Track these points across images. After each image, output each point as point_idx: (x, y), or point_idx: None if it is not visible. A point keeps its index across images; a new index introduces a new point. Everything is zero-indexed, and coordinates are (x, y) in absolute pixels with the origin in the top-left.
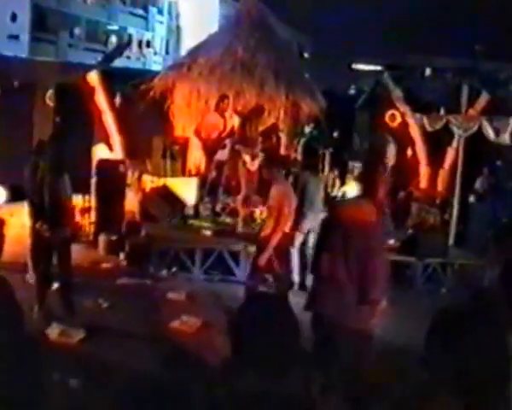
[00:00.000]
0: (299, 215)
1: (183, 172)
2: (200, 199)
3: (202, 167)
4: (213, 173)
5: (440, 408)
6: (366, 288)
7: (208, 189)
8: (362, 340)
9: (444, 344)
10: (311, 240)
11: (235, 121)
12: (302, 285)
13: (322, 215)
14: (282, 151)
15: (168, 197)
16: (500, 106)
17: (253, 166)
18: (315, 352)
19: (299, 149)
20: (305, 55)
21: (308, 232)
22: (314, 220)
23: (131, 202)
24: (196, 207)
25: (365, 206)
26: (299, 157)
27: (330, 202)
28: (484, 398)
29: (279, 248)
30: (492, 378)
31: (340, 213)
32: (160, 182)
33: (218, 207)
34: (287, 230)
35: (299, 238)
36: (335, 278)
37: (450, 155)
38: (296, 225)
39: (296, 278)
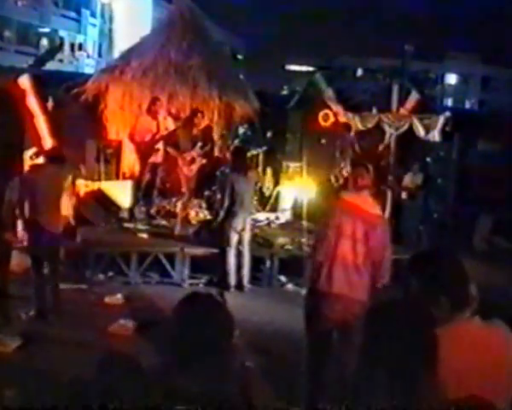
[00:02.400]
0: (230, 214)
1: (118, 175)
2: (135, 202)
3: (136, 170)
4: (148, 176)
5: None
6: (375, 273)
7: (143, 192)
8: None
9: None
10: (246, 239)
11: (169, 124)
12: (239, 285)
13: (252, 215)
14: (216, 153)
15: (103, 201)
16: (429, 104)
17: (191, 171)
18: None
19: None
20: (239, 56)
21: (242, 231)
22: (247, 219)
23: (66, 206)
24: (131, 210)
25: (369, 199)
26: (229, 157)
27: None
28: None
29: None
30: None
31: (349, 203)
32: (95, 186)
33: (153, 210)
34: None
35: (234, 238)
36: (343, 259)
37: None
38: (229, 224)
39: (232, 278)
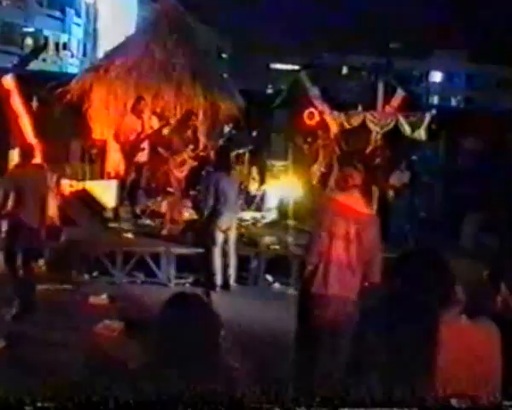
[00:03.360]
0: (215, 213)
1: (102, 175)
2: (120, 202)
3: (121, 170)
4: (133, 176)
5: None
6: (368, 272)
7: (128, 191)
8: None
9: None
10: (232, 238)
11: (153, 123)
12: (225, 285)
13: (238, 214)
14: (202, 152)
15: (88, 201)
16: (415, 102)
17: (181, 172)
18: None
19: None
20: (224, 55)
21: (228, 230)
22: (232, 219)
23: (50, 207)
24: (116, 210)
25: (360, 198)
26: (213, 156)
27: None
28: None
29: None
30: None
31: (340, 203)
32: (79, 186)
33: (138, 210)
34: None
35: (219, 237)
36: (337, 260)
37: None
38: (214, 223)
39: (218, 278)
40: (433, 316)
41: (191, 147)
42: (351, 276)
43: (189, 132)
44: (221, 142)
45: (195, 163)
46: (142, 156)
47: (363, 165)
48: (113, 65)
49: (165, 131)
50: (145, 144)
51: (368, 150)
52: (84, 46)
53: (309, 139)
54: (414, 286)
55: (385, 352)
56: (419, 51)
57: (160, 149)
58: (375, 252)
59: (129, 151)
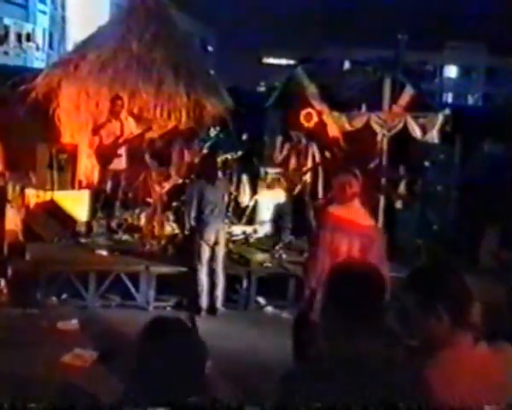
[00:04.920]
0: (201, 224)
1: (73, 184)
2: (94, 214)
3: (95, 178)
4: (108, 185)
5: None
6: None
7: (102, 203)
8: None
9: None
10: (220, 255)
11: (131, 125)
12: (211, 309)
13: (225, 227)
14: (186, 158)
15: (56, 214)
16: (426, 101)
17: (162, 188)
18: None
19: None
20: (209, 48)
21: (216, 245)
22: (220, 231)
23: (13, 220)
24: (89, 223)
25: (361, 209)
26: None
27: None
28: None
29: None
30: None
31: (339, 217)
32: (47, 196)
33: (114, 224)
34: None
35: (205, 253)
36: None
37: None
38: (200, 236)
39: (204, 300)
40: (447, 340)
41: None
42: None
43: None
44: (206, 146)
45: (180, 181)
46: (119, 164)
47: (367, 172)
48: (85, 59)
49: (149, 136)
50: (122, 150)
51: (373, 155)
52: (51, 37)
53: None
54: (426, 307)
55: (389, 377)
56: (431, 43)
57: (147, 158)
58: (382, 269)
59: (105, 158)
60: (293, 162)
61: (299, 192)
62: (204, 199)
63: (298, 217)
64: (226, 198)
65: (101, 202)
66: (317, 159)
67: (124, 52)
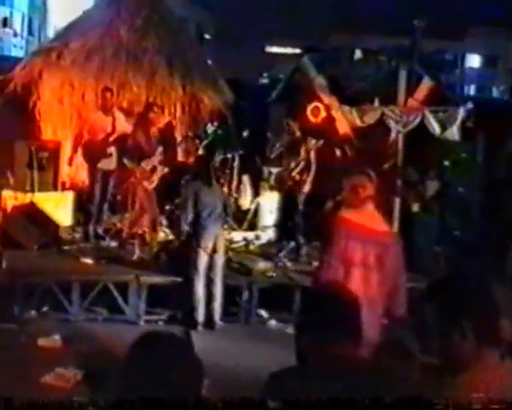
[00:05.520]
0: (198, 229)
1: (55, 185)
2: (78, 219)
3: (80, 179)
4: (95, 186)
5: None
6: (390, 304)
7: (88, 206)
8: None
9: None
10: (219, 263)
11: (120, 121)
12: (208, 323)
13: (225, 233)
14: (180, 157)
15: (36, 218)
16: (446, 93)
17: (152, 183)
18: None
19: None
20: (207, 36)
21: (214, 253)
22: (219, 237)
23: None
24: (73, 229)
25: (376, 213)
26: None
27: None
28: None
29: None
30: None
31: (352, 222)
32: (26, 199)
33: (101, 229)
34: None
35: (203, 261)
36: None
37: (386, 154)
38: (196, 243)
39: (201, 313)
40: (472, 358)
41: (160, 149)
42: (371, 312)
43: (155, 130)
44: (203, 144)
45: (166, 169)
46: (109, 163)
47: (379, 172)
48: (68, 47)
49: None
50: (112, 149)
51: (386, 154)
52: (31, 23)
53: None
54: (448, 321)
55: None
56: (451, 29)
57: (127, 161)
58: (399, 279)
59: (93, 156)
60: (285, 159)
61: (296, 193)
62: (200, 202)
63: (305, 221)
64: (226, 201)
65: (87, 204)
66: (312, 156)
67: (112, 39)
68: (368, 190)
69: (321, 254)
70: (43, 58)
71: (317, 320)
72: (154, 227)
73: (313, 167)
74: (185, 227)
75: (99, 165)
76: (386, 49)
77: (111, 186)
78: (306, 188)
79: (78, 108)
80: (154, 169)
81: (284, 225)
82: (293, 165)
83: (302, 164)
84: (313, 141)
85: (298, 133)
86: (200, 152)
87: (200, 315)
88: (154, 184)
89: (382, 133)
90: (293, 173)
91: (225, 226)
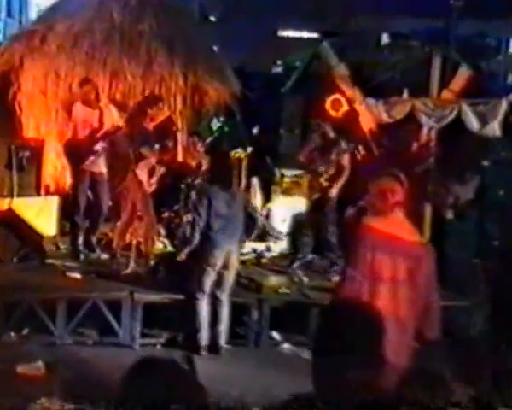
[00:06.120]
0: (207, 244)
1: (38, 188)
2: (64, 227)
3: (66, 182)
4: (82, 190)
5: None
6: (423, 326)
7: (75, 212)
8: None
9: None
10: (229, 281)
11: (112, 114)
12: (213, 346)
13: (239, 249)
14: (181, 157)
15: (16, 226)
16: (487, 83)
17: (151, 186)
18: None
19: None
20: (212, 18)
21: (224, 268)
22: (231, 252)
23: None
24: (58, 239)
25: (406, 222)
26: (203, 163)
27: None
28: None
29: None
30: None
31: (379, 231)
32: (4, 204)
33: (94, 239)
34: None
35: (209, 278)
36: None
37: (417, 154)
38: (204, 257)
39: (205, 336)
40: None
41: (157, 146)
42: (400, 334)
43: (150, 126)
44: (207, 141)
45: (163, 169)
46: (98, 164)
47: (409, 174)
48: (53, 31)
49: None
50: (99, 146)
51: (416, 153)
52: (9, 2)
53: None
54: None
55: None
56: (493, 9)
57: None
58: (432, 296)
59: (79, 155)
60: (316, 162)
61: (321, 200)
62: (214, 209)
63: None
64: (243, 210)
65: (75, 211)
66: (346, 159)
67: (102, 22)
68: (397, 194)
69: (343, 268)
70: (24, 43)
71: (337, 344)
72: (150, 237)
73: (345, 173)
74: (192, 240)
75: (87, 167)
76: (418, 33)
77: (102, 190)
78: (333, 195)
79: (63, 101)
80: (152, 170)
81: (302, 236)
82: (322, 169)
83: (333, 169)
84: (345, 144)
85: (331, 134)
86: (202, 150)
87: (204, 338)
88: (154, 187)
89: (412, 130)
90: (322, 179)
91: (242, 241)
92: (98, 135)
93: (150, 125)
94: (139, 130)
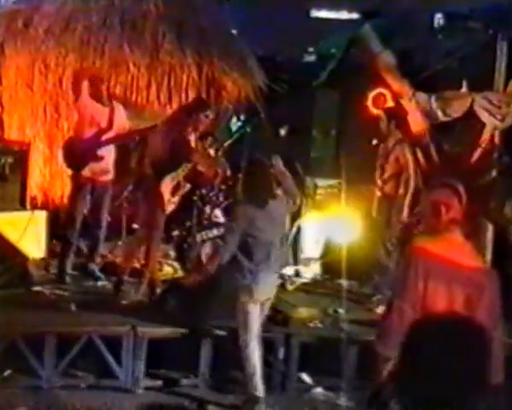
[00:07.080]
0: (246, 278)
1: (23, 201)
2: (54, 249)
3: (56, 193)
4: (79, 204)
5: None
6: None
7: (68, 230)
8: None
9: None
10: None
11: (119, 112)
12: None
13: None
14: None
15: None
16: None
17: (172, 205)
18: None
19: (220, 157)
20: None
21: (267, 300)
22: (272, 286)
23: None
24: (47, 262)
25: (466, 243)
26: (220, 171)
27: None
28: None
29: None
30: None
31: (432, 254)
32: None
33: (92, 264)
34: None
35: (255, 320)
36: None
37: (478, 161)
38: (247, 295)
39: (260, 386)
40: None
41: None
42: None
43: (192, 137)
44: (227, 144)
45: (188, 186)
46: (102, 171)
47: (468, 185)
48: (40, 11)
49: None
50: (105, 151)
51: (477, 160)
52: None
53: (375, 141)
54: None
55: None
56: None
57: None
58: (496, 331)
59: (81, 160)
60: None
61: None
62: (254, 234)
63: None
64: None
65: (68, 228)
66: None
67: (98, 2)
68: (453, 209)
69: (389, 297)
70: (5, 26)
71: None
72: (157, 260)
73: (412, 184)
74: (226, 257)
75: (88, 173)
76: (479, 13)
77: (104, 203)
78: (404, 212)
79: (53, 97)
80: (177, 186)
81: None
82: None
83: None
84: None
85: (399, 136)
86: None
87: (260, 388)
88: (173, 207)
89: (472, 131)
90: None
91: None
92: (107, 137)
93: (192, 137)
94: (178, 141)
